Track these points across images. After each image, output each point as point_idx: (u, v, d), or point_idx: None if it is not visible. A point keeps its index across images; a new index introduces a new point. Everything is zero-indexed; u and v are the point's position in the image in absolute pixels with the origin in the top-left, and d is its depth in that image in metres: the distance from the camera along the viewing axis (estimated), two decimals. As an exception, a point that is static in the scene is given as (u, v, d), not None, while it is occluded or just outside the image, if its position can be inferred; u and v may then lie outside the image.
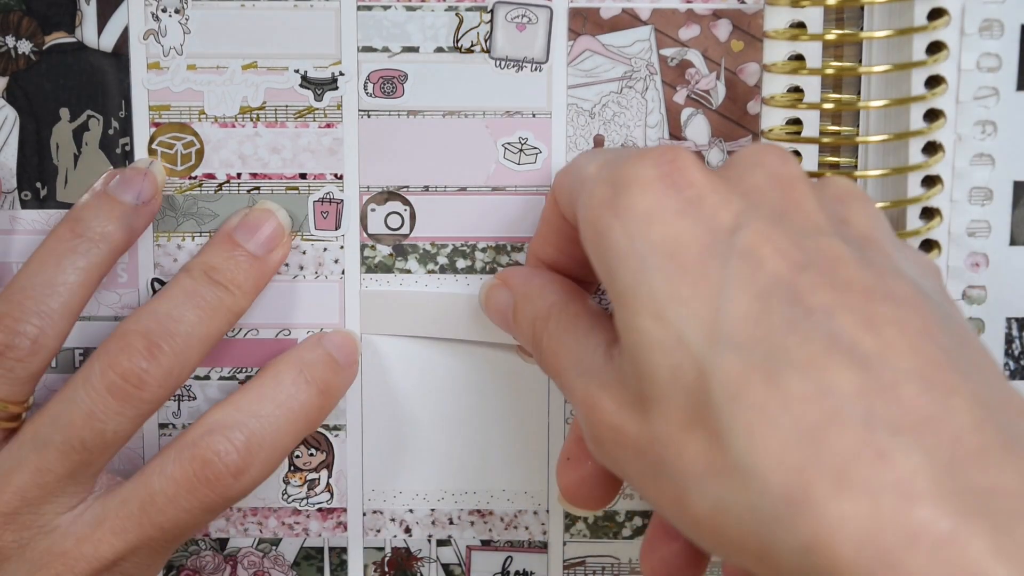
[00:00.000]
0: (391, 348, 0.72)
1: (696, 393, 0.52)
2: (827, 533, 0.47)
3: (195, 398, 0.73)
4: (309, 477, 0.73)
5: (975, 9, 0.67)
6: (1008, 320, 0.70)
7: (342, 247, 0.72)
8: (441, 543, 0.74)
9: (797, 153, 0.69)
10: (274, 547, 0.74)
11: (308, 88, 0.70)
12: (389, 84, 0.70)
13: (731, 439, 0.50)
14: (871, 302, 0.52)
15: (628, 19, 0.69)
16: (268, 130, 0.71)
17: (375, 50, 0.70)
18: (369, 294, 0.72)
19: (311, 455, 0.73)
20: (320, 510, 0.74)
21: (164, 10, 0.69)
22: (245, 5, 0.70)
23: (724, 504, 0.51)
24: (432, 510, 0.74)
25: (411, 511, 0.74)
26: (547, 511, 0.74)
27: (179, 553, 0.74)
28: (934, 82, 0.68)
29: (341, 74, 0.70)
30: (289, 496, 0.73)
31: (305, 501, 0.73)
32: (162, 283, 0.72)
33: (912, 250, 0.61)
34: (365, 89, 0.70)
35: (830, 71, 0.68)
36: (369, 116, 0.71)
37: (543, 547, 0.74)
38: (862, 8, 0.68)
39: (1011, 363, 0.70)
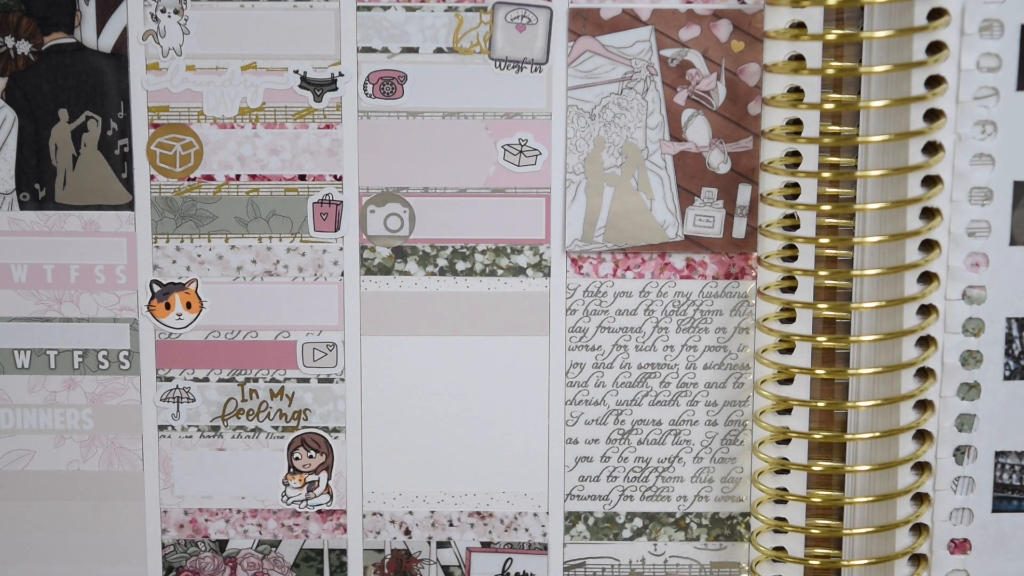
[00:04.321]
0: (391, 349, 0.72)
1: None
2: None
3: (194, 400, 0.73)
4: (308, 479, 0.73)
5: (975, 9, 0.67)
6: (1008, 320, 0.70)
7: (341, 249, 0.72)
8: (441, 545, 0.74)
9: (797, 153, 0.70)
10: (274, 548, 0.74)
11: (307, 89, 0.70)
12: (389, 85, 0.70)
13: None
14: None
15: (628, 20, 0.69)
16: (267, 131, 0.71)
17: (375, 51, 0.70)
18: (369, 296, 0.72)
19: (310, 457, 0.73)
20: (320, 512, 0.73)
21: (163, 11, 0.69)
22: (244, 6, 0.70)
23: None
24: (432, 512, 0.73)
25: (411, 513, 0.73)
26: (547, 512, 0.73)
27: (179, 554, 0.74)
28: (934, 82, 0.68)
29: (340, 75, 0.70)
30: (288, 498, 0.73)
31: (305, 503, 0.73)
32: (161, 284, 0.72)
33: None
34: (364, 90, 0.70)
35: (830, 71, 0.68)
36: (368, 117, 0.71)
37: (543, 549, 0.74)
38: (862, 8, 0.68)
39: (1011, 363, 0.70)
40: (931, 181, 0.69)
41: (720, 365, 0.72)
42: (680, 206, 0.71)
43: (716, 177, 0.71)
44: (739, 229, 0.71)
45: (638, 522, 0.74)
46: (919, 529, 0.72)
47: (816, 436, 0.71)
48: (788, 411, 0.71)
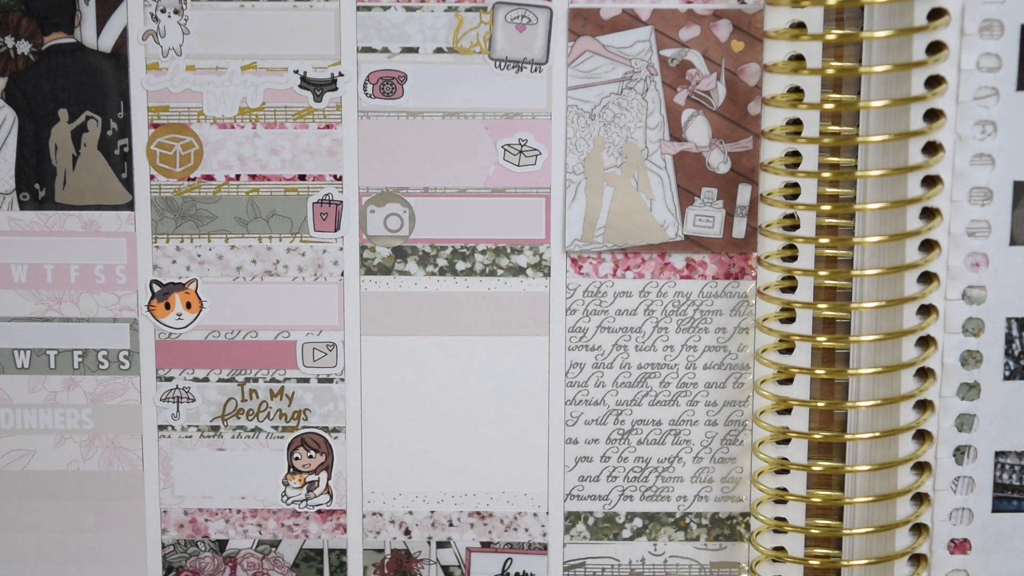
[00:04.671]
0: (391, 349, 0.72)
1: None
2: None
3: (194, 400, 0.73)
4: (308, 479, 0.73)
5: (975, 9, 0.67)
6: (1008, 320, 0.70)
7: (341, 249, 0.72)
8: (441, 545, 0.74)
9: (797, 153, 0.70)
10: (273, 548, 0.74)
11: (307, 89, 0.70)
12: (389, 85, 0.70)
13: None
14: None
15: (628, 20, 0.69)
16: (267, 131, 0.71)
17: (375, 51, 0.70)
18: (369, 296, 0.72)
19: (310, 457, 0.73)
20: (319, 512, 0.73)
21: (163, 11, 0.69)
22: (244, 6, 0.70)
23: None
24: (432, 512, 0.73)
25: (411, 513, 0.73)
26: (547, 512, 0.73)
27: (179, 554, 0.74)
28: (934, 82, 0.68)
29: (340, 75, 0.70)
30: (288, 498, 0.73)
31: (304, 503, 0.73)
32: (161, 284, 0.72)
33: None
34: (364, 90, 0.70)
35: (830, 71, 0.68)
36: (368, 117, 0.71)
37: (543, 549, 0.74)
38: (862, 8, 0.68)
39: (1011, 363, 0.70)
40: (931, 181, 0.69)
41: (720, 365, 0.72)
42: (680, 206, 0.71)
43: (716, 177, 0.71)
44: (739, 229, 0.71)
45: (638, 522, 0.74)
46: (919, 529, 0.72)
47: (816, 436, 0.71)
48: (788, 411, 0.71)
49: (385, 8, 0.70)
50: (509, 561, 0.74)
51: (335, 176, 0.71)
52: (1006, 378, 0.71)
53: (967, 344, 0.70)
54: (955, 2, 0.67)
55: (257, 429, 0.73)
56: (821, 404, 0.71)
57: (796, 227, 0.70)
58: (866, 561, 0.72)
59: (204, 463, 0.73)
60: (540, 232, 0.71)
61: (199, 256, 0.72)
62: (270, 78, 0.70)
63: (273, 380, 0.73)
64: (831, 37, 0.67)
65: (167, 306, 0.72)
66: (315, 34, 0.70)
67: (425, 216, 0.71)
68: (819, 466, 0.71)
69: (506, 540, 0.74)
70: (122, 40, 0.70)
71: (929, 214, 0.69)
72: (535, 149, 0.71)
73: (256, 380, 0.73)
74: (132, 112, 0.70)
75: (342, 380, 0.73)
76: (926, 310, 0.70)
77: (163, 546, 0.74)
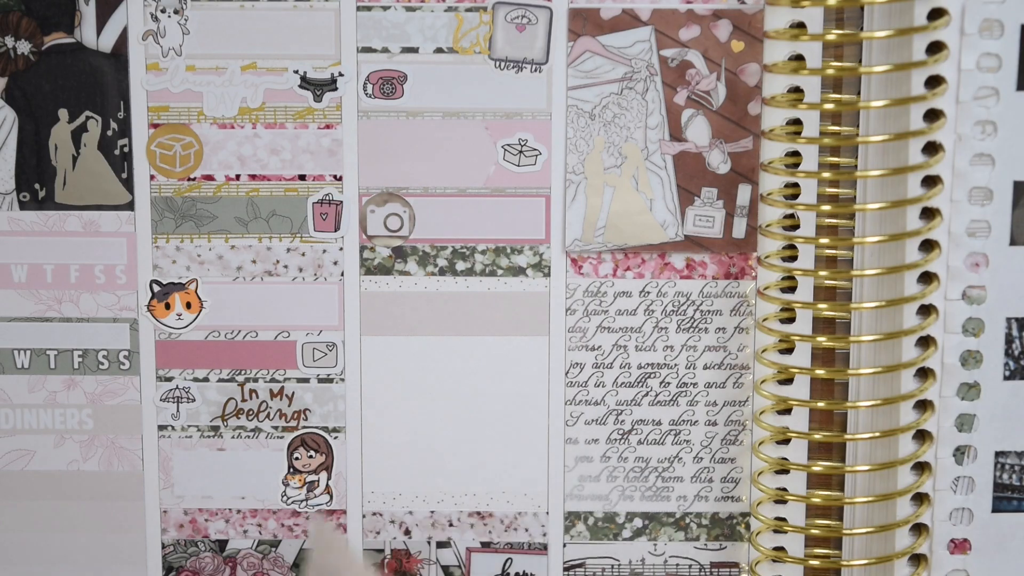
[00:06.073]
0: (391, 349, 0.72)
1: None
2: None
3: (194, 400, 0.73)
4: (308, 479, 0.73)
5: (975, 9, 0.67)
6: (1008, 320, 0.70)
7: (341, 249, 0.72)
8: (441, 545, 0.74)
9: (797, 153, 0.70)
10: (273, 548, 0.74)
11: (307, 89, 0.70)
12: (388, 85, 0.70)
13: None
14: None
15: (628, 20, 0.69)
16: (267, 131, 0.71)
17: (375, 51, 0.70)
18: (369, 296, 0.72)
19: (310, 457, 0.73)
20: (320, 512, 0.73)
21: (163, 11, 0.69)
22: (244, 6, 0.70)
23: None
24: (432, 512, 0.73)
25: (410, 513, 0.73)
26: (547, 512, 0.73)
27: (179, 554, 0.74)
28: (934, 82, 0.68)
29: (340, 75, 0.70)
30: (288, 498, 0.73)
31: (304, 503, 0.73)
32: (161, 284, 0.72)
33: None
34: (364, 90, 0.70)
35: (830, 71, 0.68)
36: (368, 117, 0.71)
37: (543, 549, 0.74)
38: (862, 8, 0.68)
39: (1011, 363, 0.70)
40: (931, 181, 0.69)
41: (720, 365, 0.72)
42: (680, 206, 0.71)
43: (716, 177, 0.71)
44: (739, 229, 0.71)
45: (638, 522, 0.74)
46: (919, 529, 0.72)
47: (816, 436, 0.71)
48: (788, 411, 0.71)
49: (385, 8, 0.70)
50: (509, 561, 0.74)
51: (335, 176, 0.71)
52: (1006, 378, 0.71)
53: (967, 344, 0.70)
54: (955, 2, 0.67)
55: (257, 429, 0.73)
56: (821, 404, 0.71)
57: (796, 227, 0.70)
58: (866, 561, 0.72)
59: (204, 463, 0.73)
60: (540, 232, 0.72)
61: (199, 256, 0.72)
62: (270, 78, 0.70)
63: (273, 380, 0.73)
64: (831, 37, 0.68)
65: (167, 306, 0.72)
66: (315, 34, 0.70)
67: (425, 216, 0.71)
68: (819, 466, 0.71)
69: (506, 540, 0.74)
70: (122, 40, 0.70)
71: (929, 214, 0.69)
72: (535, 149, 0.71)
73: (256, 380, 0.73)
74: (132, 112, 0.70)
75: (342, 380, 0.73)
76: (926, 310, 0.70)
77: (163, 546, 0.74)
